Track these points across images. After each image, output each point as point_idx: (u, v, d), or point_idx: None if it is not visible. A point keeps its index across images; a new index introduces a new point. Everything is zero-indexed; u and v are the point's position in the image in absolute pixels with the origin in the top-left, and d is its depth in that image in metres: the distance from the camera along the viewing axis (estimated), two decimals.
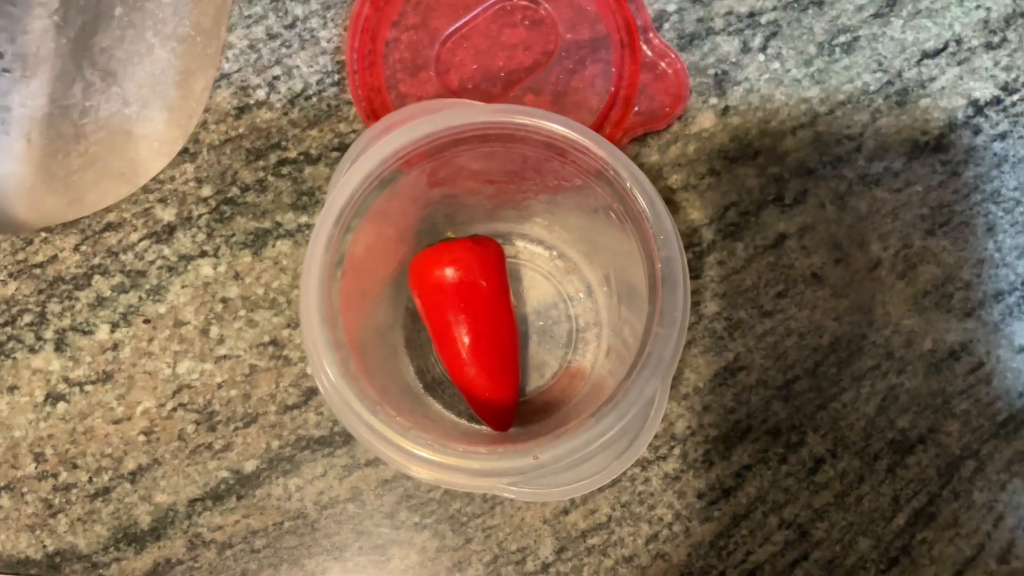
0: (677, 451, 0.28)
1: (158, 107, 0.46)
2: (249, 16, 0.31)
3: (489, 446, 0.22)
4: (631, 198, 0.21)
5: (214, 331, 0.29)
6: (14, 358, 0.29)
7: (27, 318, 0.29)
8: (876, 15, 0.30)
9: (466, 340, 0.26)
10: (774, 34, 0.30)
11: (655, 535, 0.27)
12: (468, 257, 0.26)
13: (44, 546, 0.28)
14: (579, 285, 0.29)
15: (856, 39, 0.30)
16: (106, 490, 0.28)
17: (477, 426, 0.28)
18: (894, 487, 0.27)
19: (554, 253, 0.29)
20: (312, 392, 0.28)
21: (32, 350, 0.29)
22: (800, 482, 0.28)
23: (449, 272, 0.26)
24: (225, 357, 0.29)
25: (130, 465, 0.28)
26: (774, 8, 0.31)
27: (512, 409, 0.27)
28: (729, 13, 0.30)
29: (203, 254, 0.29)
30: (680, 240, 0.22)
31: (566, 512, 0.28)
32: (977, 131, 0.30)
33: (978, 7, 0.30)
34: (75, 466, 0.28)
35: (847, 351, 0.28)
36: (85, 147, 0.43)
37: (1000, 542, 0.27)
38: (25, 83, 0.58)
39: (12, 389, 0.29)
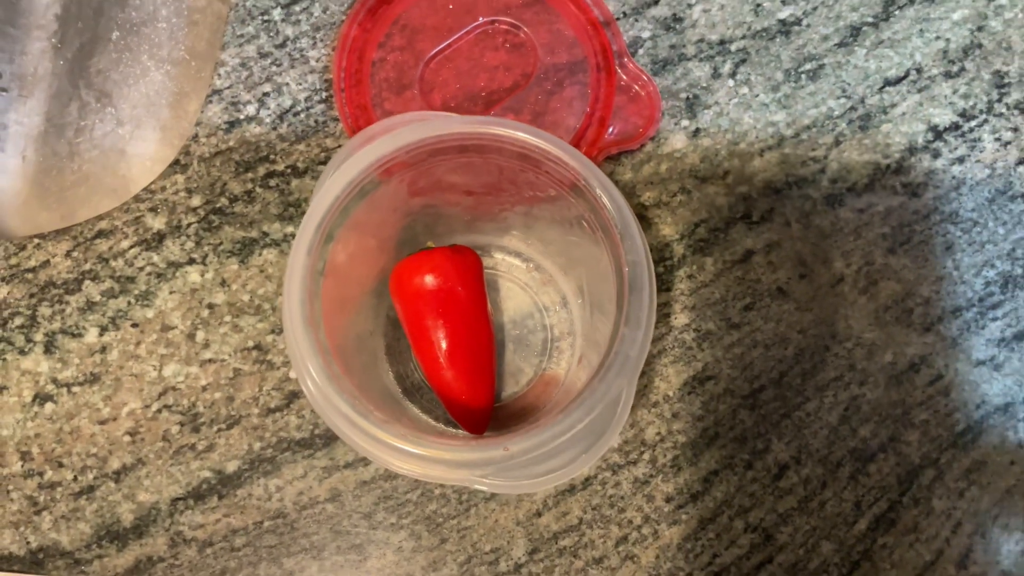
0: (647, 456, 0.31)
1: (151, 127, 0.50)
2: (241, 36, 0.35)
3: (463, 441, 0.26)
4: (600, 205, 0.26)
5: (200, 336, 0.32)
6: (4, 359, 0.32)
7: (18, 321, 0.33)
8: (840, 44, 0.35)
9: (444, 344, 0.30)
10: (743, 61, 0.35)
11: (624, 537, 0.31)
12: (447, 265, 0.30)
13: (28, 543, 0.31)
14: (555, 296, 0.33)
15: (821, 67, 0.35)
16: (90, 488, 0.32)
17: (453, 429, 0.31)
18: (856, 493, 0.31)
19: (531, 265, 0.33)
20: (294, 396, 0.32)
21: (22, 352, 0.33)
22: (765, 487, 0.31)
23: (429, 279, 0.30)
24: (210, 361, 0.32)
25: (115, 464, 0.32)
26: (743, 37, 0.35)
27: (487, 412, 0.31)
28: (700, 40, 0.35)
29: (191, 261, 0.33)
30: (647, 247, 0.26)
31: (539, 514, 0.31)
32: (936, 155, 0.34)
33: (938, 38, 0.35)
34: (61, 465, 0.32)
35: (811, 362, 0.32)
36: (79, 164, 0.47)
37: (959, 548, 0.31)
38: (22, 102, 0.62)
39: (1, 389, 0.32)
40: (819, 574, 0.33)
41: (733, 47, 0.38)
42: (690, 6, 0.39)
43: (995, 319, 0.35)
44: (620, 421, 0.26)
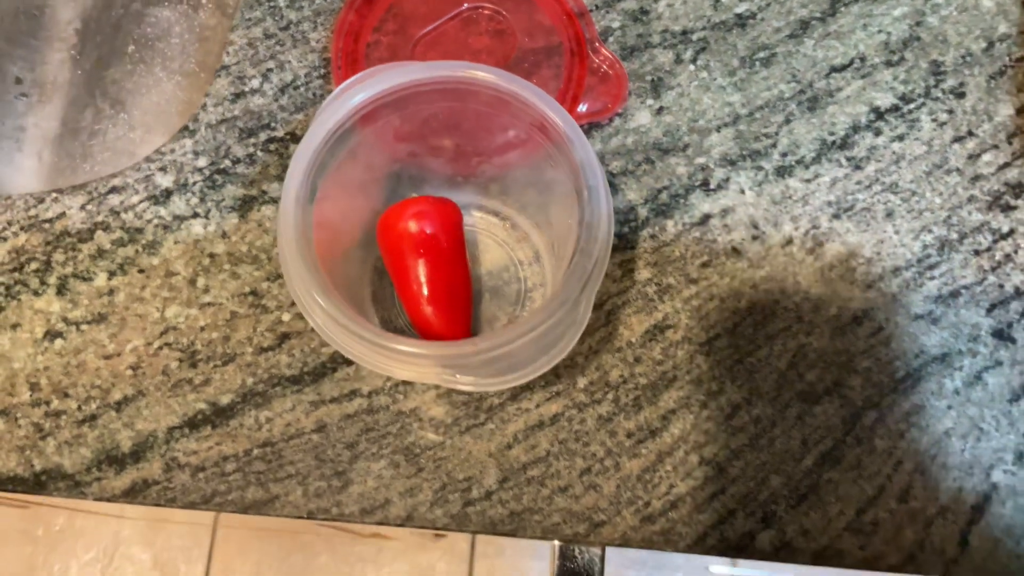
0: (610, 396, 0.35)
1: (161, 132, 0.56)
2: (249, 19, 0.40)
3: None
4: (558, 134, 0.30)
5: (200, 281, 0.37)
6: (19, 299, 0.36)
7: (33, 265, 0.37)
8: (791, 36, 0.40)
9: (424, 283, 0.34)
10: (703, 49, 0.40)
11: (588, 468, 0.35)
12: (430, 211, 0.34)
13: (32, 466, 0.35)
14: (528, 252, 0.37)
15: (774, 55, 0.40)
16: (93, 417, 0.35)
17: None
18: (803, 432, 0.35)
19: (508, 223, 0.38)
20: (285, 337, 0.36)
21: (36, 293, 0.37)
22: (719, 425, 0.35)
23: (412, 224, 0.34)
24: (209, 304, 0.36)
25: (116, 396, 0.35)
26: (703, 28, 0.40)
27: None
28: (665, 31, 0.40)
29: (195, 215, 0.37)
30: (605, 176, 0.30)
31: (509, 447, 0.35)
32: (878, 133, 0.38)
33: (880, 31, 0.40)
34: (66, 395, 0.35)
35: (762, 314, 0.36)
36: (91, 166, 0.53)
37: (899, 484, 0.35)
38: (41, 107, 0.68)
39: (15, 326, 0.36)
40: (768, 505, 0.37)
41: (694, 37, 0.43)
42: (655, 1, 0.44)
43: (932, 278, 0.40)
44: (580, 328, 0.31)
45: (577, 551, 0.47)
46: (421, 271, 0.37)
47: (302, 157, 0.32)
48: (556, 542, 0.46)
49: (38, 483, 0.39)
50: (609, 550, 0.47)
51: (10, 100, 0.70)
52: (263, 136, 0.43)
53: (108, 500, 0.39)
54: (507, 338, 0.30)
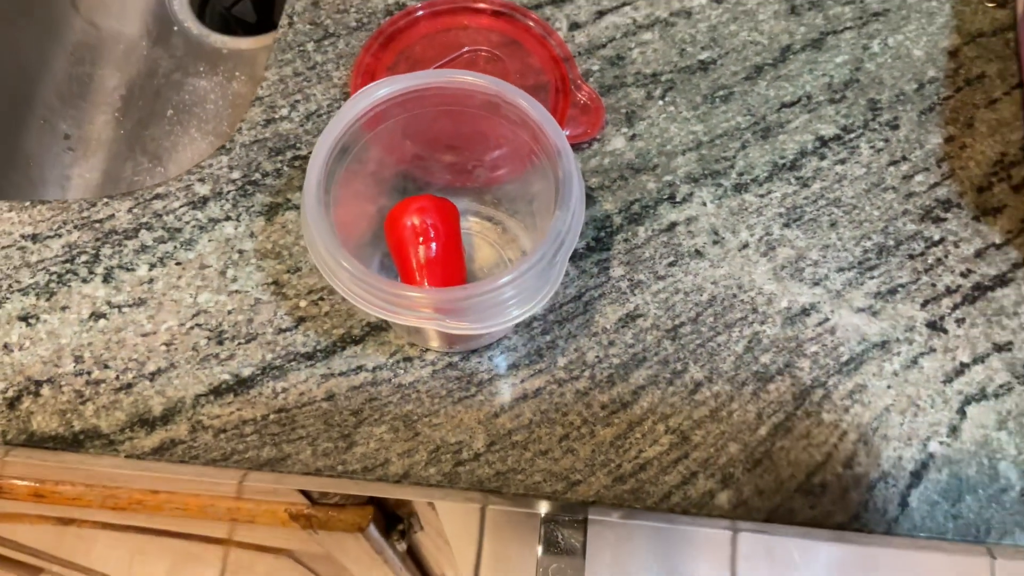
0: (587, 374, 0.41)
1: None
2: (282, 60, 0.48)
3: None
4: (532, 121, 0.36)
5: (230, 273, 0.43)
6: (69, 286, 0.43)
7: (83, 258, 0.43)
8: (747, 78, 0.47)
9: (424, 264, 0.41)
10: (670, 88, 0.47)
11: (567, 435, 0.40)
12: (431, 207, 0.41)
13: (72, 427, 0.40)
14: (517, 251, 0.44)
15: (732, 93, 0.47)
16: (129, 386, 0.41)
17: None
18: (757, 406, 0.40)
19: (499, 227, 0.44)
20: (302, 320, 0.42)
21: (84, 281, 0.43)
22: (683, 399, 0.40)
23: (415, 216, 0.41)
24: (236, 292, 0.42)
25: (151, 367, 0.41)
26: (671, 71, 0.47)
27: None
28: (638, 73, 0.47)
29: (227, 218, 0.44)
30: (578, 166, 0.36)
31: (496, 415, 0.40)
32: (823, 157, 0.45)
33: (824, 75, 0.47)
34: (106, 367, 0.41)
35: (721, 306, 0.42)
36: None
37: (845, 452, 0.40)
38: (85, 160, 0.77)
39: (64, 308, 0.42)
40: (727, 468, 0.42)
41: (663, 78, 0.50)
42: (630, 49, 0.51)
43: (872, 278, 0.45)
44: (555, 284, 0.36)
45: (560, 536, 0.51)
46: (422, 255, 0.43)
47: (322, 146, 0.39)
48: (541, 521, 0.50)
49: (76, 441, 0.44)
50: (590, 533, 0.51)
51: (59, 152, 0.78)
52: (289, 154, 0.50)
53: (138, 457, 0.43)
54: (492, 286, 0.36)
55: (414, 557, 0.91)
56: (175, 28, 0.82)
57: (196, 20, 0.83)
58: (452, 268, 0.44)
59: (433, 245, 0.44)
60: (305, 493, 0.61)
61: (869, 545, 0.53)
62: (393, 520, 0.77)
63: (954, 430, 0.44)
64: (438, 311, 0.37)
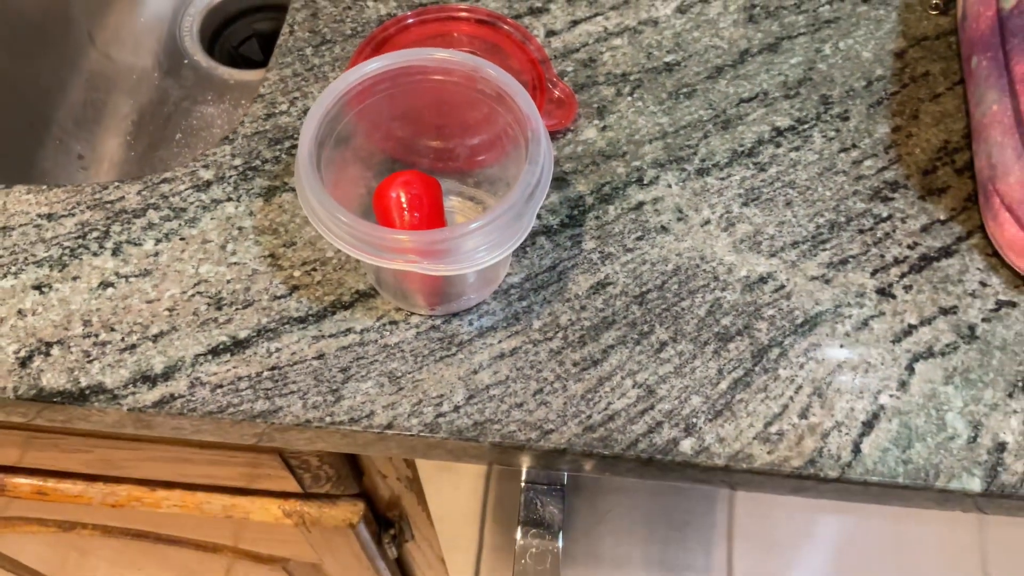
0: (560, 335, 0.44)
1: None
2: (283, 63, 0.52)
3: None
4: (504, 92, 0.40)
5: (230, 247, 0.47)
6: (80, 259, 0.46)
7: (94, 234, 0.47)
8: (709, 77, 0.52)
9: (406, 228, 0.43)
10: (638, 86, 0.51)
11: (541, 389, 0.43)
12: (415, 180, 0.45)
13: (79, 383, 0.44)
14: None
15: (695, 90, 0.51)
16: (133, 347, 0.44)
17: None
18: (718, 364, 0.44)
19: (481, 206, 0.48)
20: (295, 288, 0.46)
21: (95, 254, 0.47)
22: (649, 357, 0.44)
23: (401, 189, 0.45)
24: (235, 263, 0.46)
25: (154, 330, 0.45)
26: (639, 72, 0.52)
27: (440, 289, 0.44)
28: (608, 73, 0.52)
29: (229, 199, 0.48)
30: (545, 127, 0.40)
31: (475, 372, 0.43)
32: (779, 145, 0.49)
33: (779, 74, 0.52)
34: (113, 329, 0.45)
35: (685, 275, 0.46)
36: None
37: (800, 404, 0.43)
38: (96, 177, 0.82)
39: (75, 278, 0.46)
40: (690, 419, 0.44)
41: (631, 78, 0.55)
42: (601, 53, 0.56)
43: (825, 250, 0.49)
44: (521, 236, 0.40)
45: (538, 503, 0.53)
46: (406, 220, 0.47)
47: (312, 117, 0.43)
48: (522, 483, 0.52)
49: (82, 396, 0.47)
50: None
51: (72, 171, 0.82)
52: (287, 144, 0.54)
53: (139, 411, 0.46)
54: (466, 229, 0.39)
55: (404, 572, 0.92)
56: (185, 61, 0.87)
57: (205, 55, 0.88)
58: None
59: (416, 214, 0.47)
60: (297, 479, 0.64)
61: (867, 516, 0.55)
62: (384, 524, 0.78)
63: (903, 384, 0.47)
64: (418, 253, 0.40)
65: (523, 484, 0.54)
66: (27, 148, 0.79)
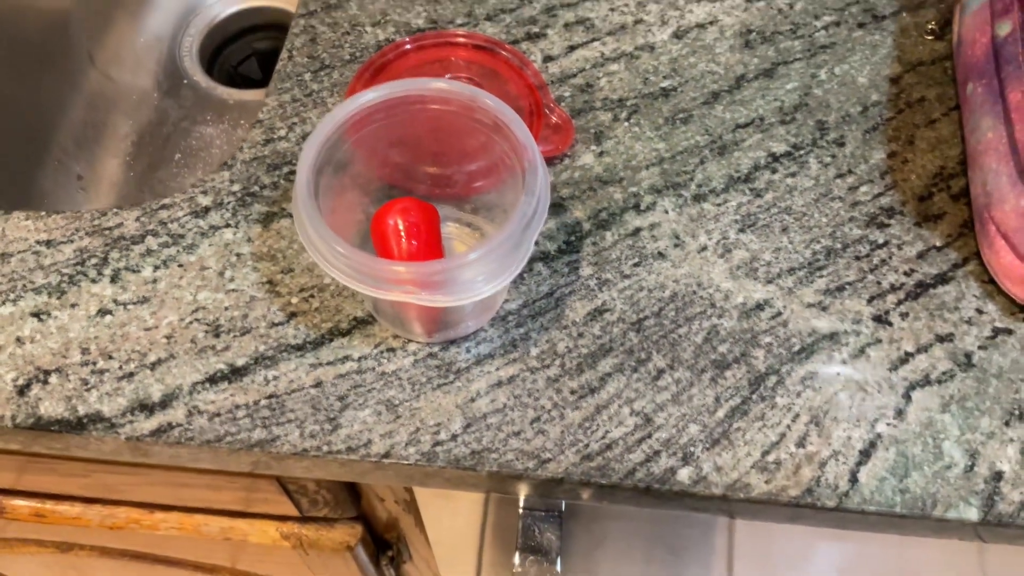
0: (558, 362, 0.44)
1: None
2: (281, 88, 0.52)
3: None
4: (501, 122, 0.40)
5: (228, 273, 0.47)
6: (79, 285, 0.47)
7: (93, 261, 0.47)
8: (705, 103, 0.52)
9: (405, 256, 0.44)
10: (635, 111, 0.51)
11: (538, 417, 0.43)
12: (413, 207, 0.45)
13: (76, 411, 0.44)
14: None
15: (691, 116, 0.51)
16: (131, 374, 0.44)
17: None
18: (716, 391, 0.44)
19: (478, 232, 0.48)
20: (293, 315, 0.46)
21: (93, 281, 0.47)
22: (647, 385, 0.44)
23: (399, 216, 0.45)
24: (233, 290, 0.46)
25: (152, 358, 0.45)
26: (635, 97, 0.52)
27: (438, 318, 0.44)
28: (605, 99, 0.52)
29: (227, 225, 0.48)
30: (543, 160, 0.40)
31: (473, 400, 0.43)
32: (775, 171, 0.50)
33: (775, 100, 0.52)
34: (111, 357, 0.45)
35: (682, 302, 0.46)
36: None
37: (797, 432, 0.43)
38: (96, 199, 0.82)
39: (73, 305, 0.46)
40: (687, 447, 0.44)
41: (628, 103, 0.55)
42: (598, 78, 0.56)
43: (821, 276, 0.49)
44: (519, 266, 0.40)
45: (536, 530, 0.53)
46: (404, 248, 0.47)
47: (310, 146, 0.43)
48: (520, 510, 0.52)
49: (80, 425, 0.47)
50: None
51: (72, 191, 0.82)
52: (285, 169, 0.54)
53: (137, 439, 0.46)
54: (464, 260, 0.39)
55: None
56: (185, 81, 0.88)
57: (205, 75, 0.89)
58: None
59: (414, 242, 0.47)
60: (295, 503, 0.63)
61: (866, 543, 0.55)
62: (382, 545, 0.78)
63: (900, 413, 0.47)
64: (416, 284, 0.40)
65: (521, 510, 0.54)
66: (26, 169, 0.79)
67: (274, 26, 0.93)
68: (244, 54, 0.94)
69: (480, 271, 0.40)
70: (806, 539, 0.60)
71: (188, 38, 0.91)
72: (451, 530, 0.68)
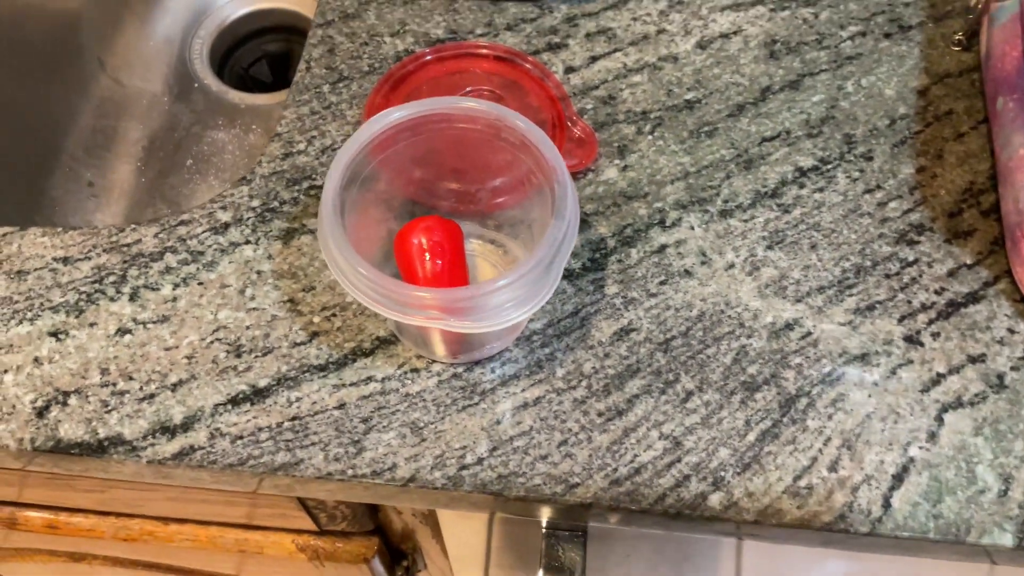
0: (584, 383, 0.43)
1: None
2: (299, 100, 0.51)
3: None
4: (529, 142, 0.39)
5: (248, 292, 0.46)
6: (97, 304, 0.46)
7: (111, 278, 0.46)
8: (730, 115, 0.51)
9: (431, 279, 0.43)
10: (659, 124, 0.51)
11: (565, 440, 0.42)
12: (437, 226, 0.44)
13: (97, 434, 0.43)
14: None
15: (716, 129, 0.50)
16: (151, 396, 0.43)
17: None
18: (746, 414, 0.43)
19: (501, 249, 0.47)
20: (315, 334, 0.45)
21: (112, 299, 0.46)
22: (675, 407, 0.43)
23: (422, 235, 0.44)
24: (254, 309, 0.45)
25: (173, 379, 0.44)
26: (659, 110, 0.51)
27: (461, 339, 0.43)
28: (628, 111, 0.51)
29: (247, 242, 0.47)
30: (572, 182, 0.40)
31: (498, 423, 0.43)
32: (802, 186, 0.49)
33: (801, 112, 0.51)
34: (131, 378, 0.44)
35: (710, 321, 0.45)
36: None
37: (829, 457, 0.42)
38: (108, 206, 0.81)
39: (92, 324, 0.45)
40: (718, 472, 0.44)
41: (652, 115, 0.54)
42: (621, 90, 0.55)
43: (851, 295, 0.48)
44: (551, 289, 0.39)
45: (560, 550, 0.53)
46: (428, 270, 0.46)
47: (336, 167, 0.42)
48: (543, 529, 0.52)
49: (101, 448, 0.46)
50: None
51: (82, 199, 0.81)
52: (305, 184, 0.53)
53: (159, 463, 0.45)
54: (492, 287, 0.39)
55: None
56: (195, 85, 0.86)
57: (215, 78, 0.88)
58: (456, 283, 0.47)
59: (439, 261, 0.47)
60: (313, 518, 0.63)
61: (871, 559, 0.55)
62: (397, 555, 0.78)
63: (933, 436, 0.46)
64: (443, 311, 0.39)
65: (544, 529, 0.53)
66: (37, 176, 0.78)
67: (285, 28, 0.92)
68: (255, 56, 0.93)
69: (509, 297, 0.39)
70: (813, 556, 0.59)
71: (198, 41, 0.90)
72: (467, 540, 0.67)
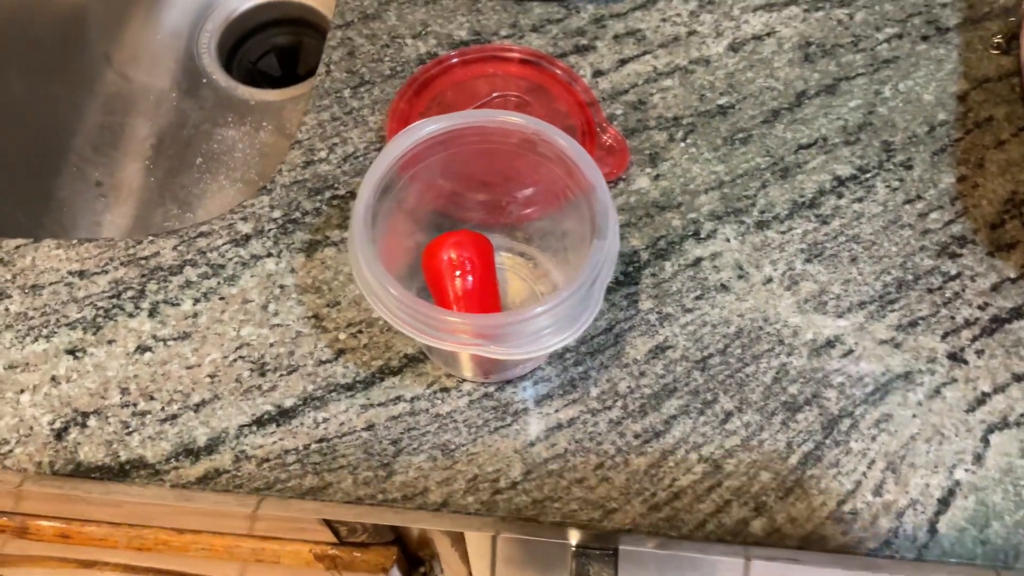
0: (619, 404, 0.42)
1: None
2: (320, 106, 0.50)
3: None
4: (567, 157, 0.37)
5: (271, 307, 0.44)
6: (115, 320, 0.44)
7: (129, 293, 0.45)
8: (764, 121, 0.49)
9: (460, 295, 0.42)
10: (691, 131, 0.49)
11: (601, 464, 0.41)
12: (466, 241, 0.42)
13: (118, 457, 0.41)
14: (548, 286, 0.45)
15: (750, 136, 0.49)
16: (174, 416, 0.42)
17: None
18: (787, 436, 0.41)
19: (531, 263, 0.46)
20: (341, 352, 0.43)
21: (130, 315, 0.44)
22: (714, 429, 0.41)
23: (452, 250, 0.42)
24: (278, 325, 0.44)
25: (195, 399, 0.42)
26: (691, 115, 0.49)
27: (492, 359, 0.42)
28: (660, 117, 0.49)
29: (269, 255, 0.45)
30: (609, 194, 0.38)
31: (532, 444, 0.41)
32: (841, 196, 0.47)
33: (839, 119, 0.49)
34: (152, 398, 0.42)
35: (748, 338, 0.43)
36: None
37: (874, 480, 0.41)
38: (116, 207, 0.78)
39: (111, 342, 0.44)
40: (759, 496, 0.42)
41: (684, 122, 0.52)
42: (651, 95, 0.53)
43: (893, 311, 0.47)
44: (592, 314, 0.38)
45: (590, 570, 0.51)
46: (459, 287, 0.45)
47: (371, 178, 0.41)
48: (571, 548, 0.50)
49: (122, 471, 0.44)
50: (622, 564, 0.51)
51: (91, 199, 0.79)
52: (328, 194, 0.52)
53: (183, 487, 0.44)
54: (531, 313, 0.37)
55: None
56: (204, 80, 0.84)
57: (224, 73, 0.85)
58: (487, 300, 0.46)
59: (469, 278, 0.45)
60: (334, 531, 0.62)
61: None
62: (414, 562, 0.76)
63: (978, 458, 0.45)
64: (479, 337, 0.38)
65: (573, 548, 0.52)
66: (44, 176, 0.76)
67: (294, 21, 0.90)
68: (263, 50, 0.91)
69: (548, 323, 0.38)
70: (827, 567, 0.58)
71: (206, 34, 0.87)
72: (487, 549, 0.66)
